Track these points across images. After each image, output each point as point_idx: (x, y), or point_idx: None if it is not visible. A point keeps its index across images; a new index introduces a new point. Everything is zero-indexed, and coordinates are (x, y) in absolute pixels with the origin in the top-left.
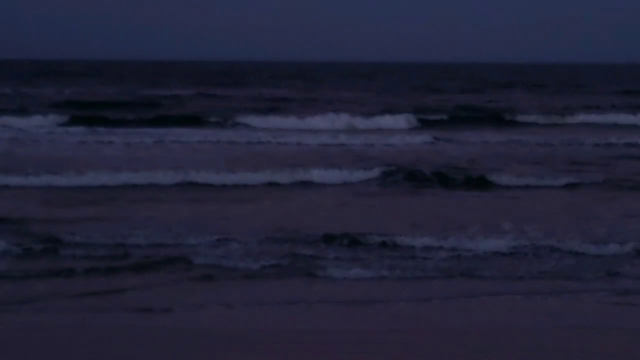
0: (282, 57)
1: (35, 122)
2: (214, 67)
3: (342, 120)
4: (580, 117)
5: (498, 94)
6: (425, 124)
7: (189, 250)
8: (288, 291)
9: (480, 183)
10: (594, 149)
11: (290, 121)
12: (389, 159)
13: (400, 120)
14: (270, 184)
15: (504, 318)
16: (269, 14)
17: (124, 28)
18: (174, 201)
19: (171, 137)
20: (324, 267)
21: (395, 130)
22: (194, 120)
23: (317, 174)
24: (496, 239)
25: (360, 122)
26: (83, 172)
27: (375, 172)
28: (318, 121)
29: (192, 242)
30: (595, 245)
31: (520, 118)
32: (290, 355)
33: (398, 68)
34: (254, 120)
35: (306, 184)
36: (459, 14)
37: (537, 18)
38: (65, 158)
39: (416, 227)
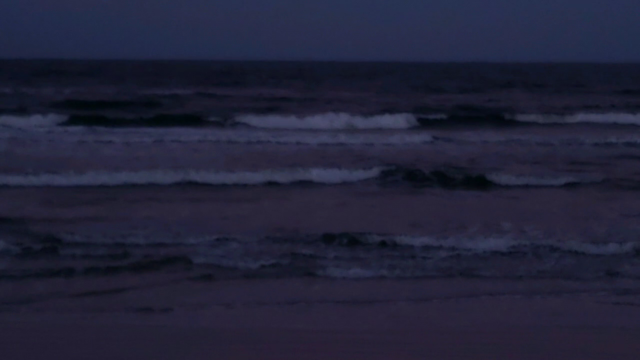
0: (282, 56)
1: (35, 122)
2: (214, 67)
3: (341, 119)
4: (580, 117)
5: (498, 94)
6: (424, 124)
7: (188, 249)
8: (288, 291)
9: (479, 182)
10: (594, 148)
11: (289, 121)
12: (389, 158)
13: (399, 120)
14: (270, 184)
15: (504, 318)
16: (269, 14)
17: (124, 28)
18: (173, 201)
19: (171, 136)
20: (323, 267)
21: (395, 129)
22: (193, 120)
23: (316, 174)
24: (496, 239)
25: (359, 122)
26: (83, 172)
27: (374, 172)
28: (318, 121)
29: (192, 242)
30: (595, 245)
31: (520, 118)
32: (290, 355)
33: (398, 68)
34: (253, 119)
35: (306, 184)
36: (459, 14)
37: (537, 18)
38: (65, 158)
39: (416, 227)
